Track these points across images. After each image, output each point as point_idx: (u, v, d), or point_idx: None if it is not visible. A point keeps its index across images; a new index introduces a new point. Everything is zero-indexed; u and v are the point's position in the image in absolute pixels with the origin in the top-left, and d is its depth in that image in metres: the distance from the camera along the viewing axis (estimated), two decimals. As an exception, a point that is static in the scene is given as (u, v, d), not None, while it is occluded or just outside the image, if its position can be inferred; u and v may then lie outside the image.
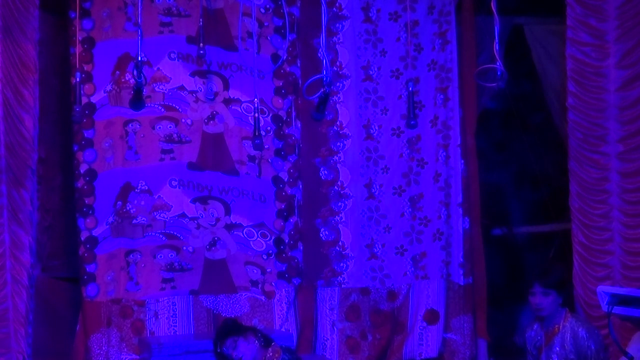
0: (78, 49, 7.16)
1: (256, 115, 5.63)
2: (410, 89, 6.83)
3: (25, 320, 6.51)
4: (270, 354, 5.43)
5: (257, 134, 5.67)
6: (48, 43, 8.47)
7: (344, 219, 7.45)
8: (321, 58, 5.23)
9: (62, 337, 7.77)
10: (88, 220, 7.28)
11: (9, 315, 6.42)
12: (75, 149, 7.32)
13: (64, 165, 7.54)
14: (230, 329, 5.60)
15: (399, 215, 7.44)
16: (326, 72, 5.15)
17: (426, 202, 7.43)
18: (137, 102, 5.96)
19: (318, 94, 5.27)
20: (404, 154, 7.43)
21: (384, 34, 7.43)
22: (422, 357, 7.30)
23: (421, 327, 7.33)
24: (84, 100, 7.11)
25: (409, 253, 7.43)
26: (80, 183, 7.30)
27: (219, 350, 5.55)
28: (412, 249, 7.44)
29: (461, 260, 7.38)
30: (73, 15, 7.24)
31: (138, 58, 5.49)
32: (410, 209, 7.41)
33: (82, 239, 7.29)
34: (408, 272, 7.40)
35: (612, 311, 5.45)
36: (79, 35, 7.13)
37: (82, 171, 7.31)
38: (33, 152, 6.58)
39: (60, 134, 7.54)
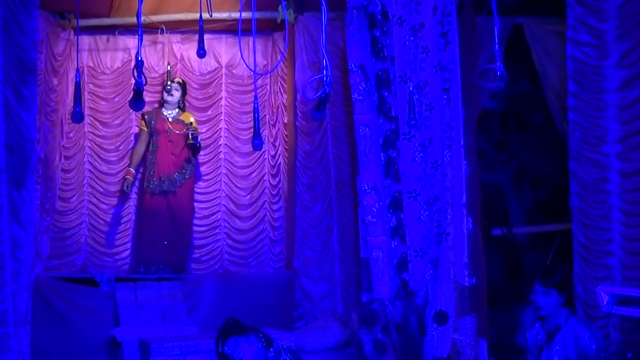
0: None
1: (255, 115, 5.60)
2: (411, 88, 6.83)
3: (25, 320, 6.49)
4: (272, 354, 5.43)
5: (257, 134, 5.65)
6: (48, 43, 8.53)
7: None
8: (323, 59, 5.18)
9: (62, 337, 7.78)
10: None
11: (9, 316, 6.40)
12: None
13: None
14: (232, 328, 5.58)
15: (416, 219, 7.40)
16: (326, 72, 5.14)
17: (441, 204, 7.40)
18: (137, 102, 5.96)
19: (318, 93, 5.26)
20: (417, 158, 7.38)
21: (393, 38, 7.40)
22: (436, 358, 7.29)
23: (432, 329, 7.30)
24: None
25: (427, 256, 7.40)
26: None
27: (220, 350, 5.53)
28: (430, 252, 7.40)
29: (466, 261, 7.35)
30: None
31: (138, 58, 5.49)
32: (427, 212, 7.36)
33: None
34: (427, 275, 7.37)
35: (612, 311, 5.46)
36: None
37: None
38: (33, 152, 6.56)
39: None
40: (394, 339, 6.90)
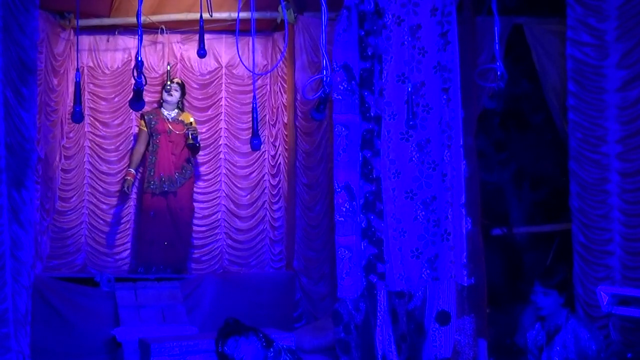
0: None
1: (254, 115, 5.60)
2: (410, 89, 6.80)
3: (25, 320, 6.48)
4: (272, 354, 5.42)
5: (255, 134, 5.65)
6: (48, 43, 8.53)
7: None
8: (323, 59, 5.18)
9: (62, 337, 7.78)
10: None
11: (9, 316, 6.39)
12: None
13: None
14: (232, 328, 5.58)
15: (412, 219, 7.39)
16: (326, 72, 5.14)
17: (438, 204, 7.40)
18: (137, 102, 5.96)
19: (318, 93, 5.26)
20: (414, 158, 7.37)
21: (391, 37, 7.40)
22: (438, 359, 7.28)
23: (434, 329, 7.29)
24: None
25: (424, 255, 7.38)
26: None
27: (220, 350, 5.53)
28: (426, 252, 7.39)
29: (465, 261, 7.35)
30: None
31: (138, 58, 5.49)
32: (424, 212, 7.35)
33: None
34: (424, 275, 7.36)
35: (612, 311, 5.46)
36: None
37: None
38: (33, 152, 6.55)
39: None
40: (356, 339, 6.91)
